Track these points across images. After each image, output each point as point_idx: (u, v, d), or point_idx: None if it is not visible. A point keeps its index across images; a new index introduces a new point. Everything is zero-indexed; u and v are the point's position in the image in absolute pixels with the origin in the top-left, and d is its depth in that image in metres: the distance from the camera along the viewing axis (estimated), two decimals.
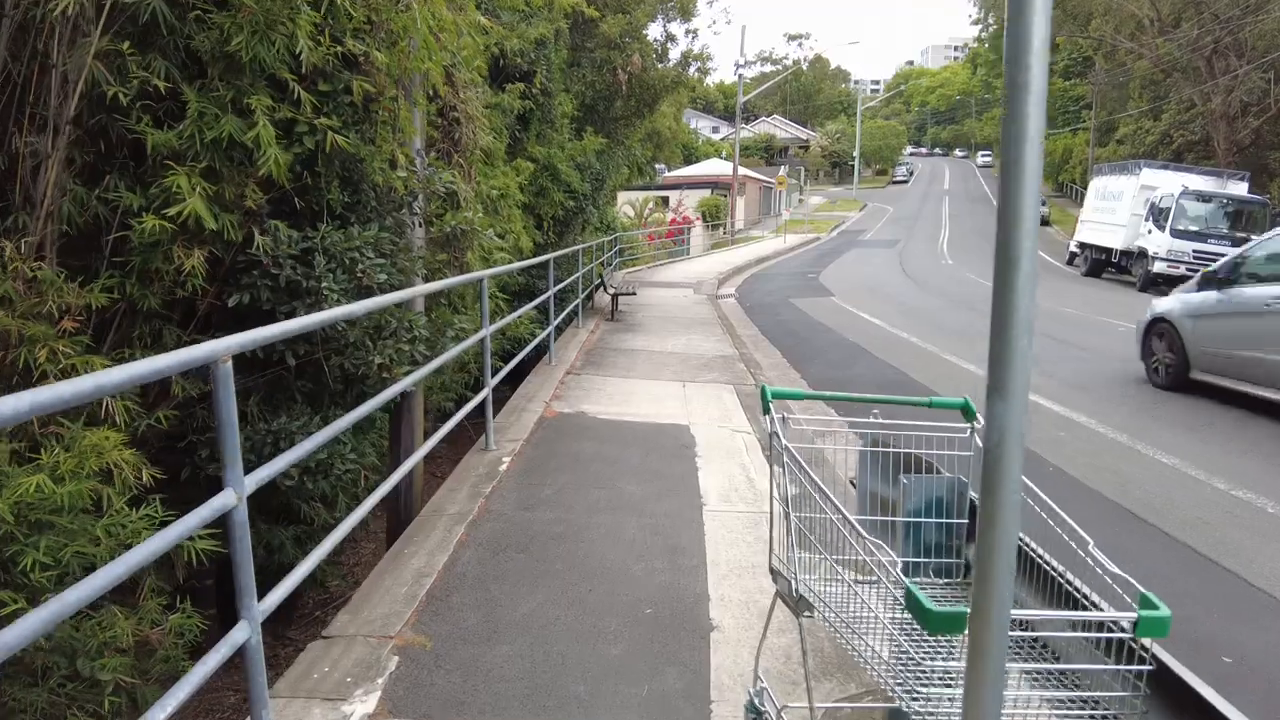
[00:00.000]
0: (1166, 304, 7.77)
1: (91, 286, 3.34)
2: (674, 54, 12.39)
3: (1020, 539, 1.89)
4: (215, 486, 4.43)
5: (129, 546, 3.19)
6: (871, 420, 2.19)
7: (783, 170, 46.43)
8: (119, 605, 3.49)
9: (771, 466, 2.11)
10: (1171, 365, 7.52)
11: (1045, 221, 40.58)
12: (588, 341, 9.47)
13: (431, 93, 5.06)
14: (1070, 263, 25.99)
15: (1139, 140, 35.47)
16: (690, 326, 11.23)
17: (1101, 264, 22.58)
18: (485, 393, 4.77)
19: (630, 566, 3.36)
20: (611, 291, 11.86)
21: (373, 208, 4.29)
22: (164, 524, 3.33)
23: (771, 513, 2.17)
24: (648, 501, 4.14)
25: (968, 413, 2.24)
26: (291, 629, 6.33)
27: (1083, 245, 23.96)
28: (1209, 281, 7.26)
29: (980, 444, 2.28)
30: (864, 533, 1.83)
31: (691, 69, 12.53)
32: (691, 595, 3.12)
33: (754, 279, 20.86)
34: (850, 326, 12.25)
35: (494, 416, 5.30)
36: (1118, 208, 21.01)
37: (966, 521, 2.20)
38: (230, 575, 5.83)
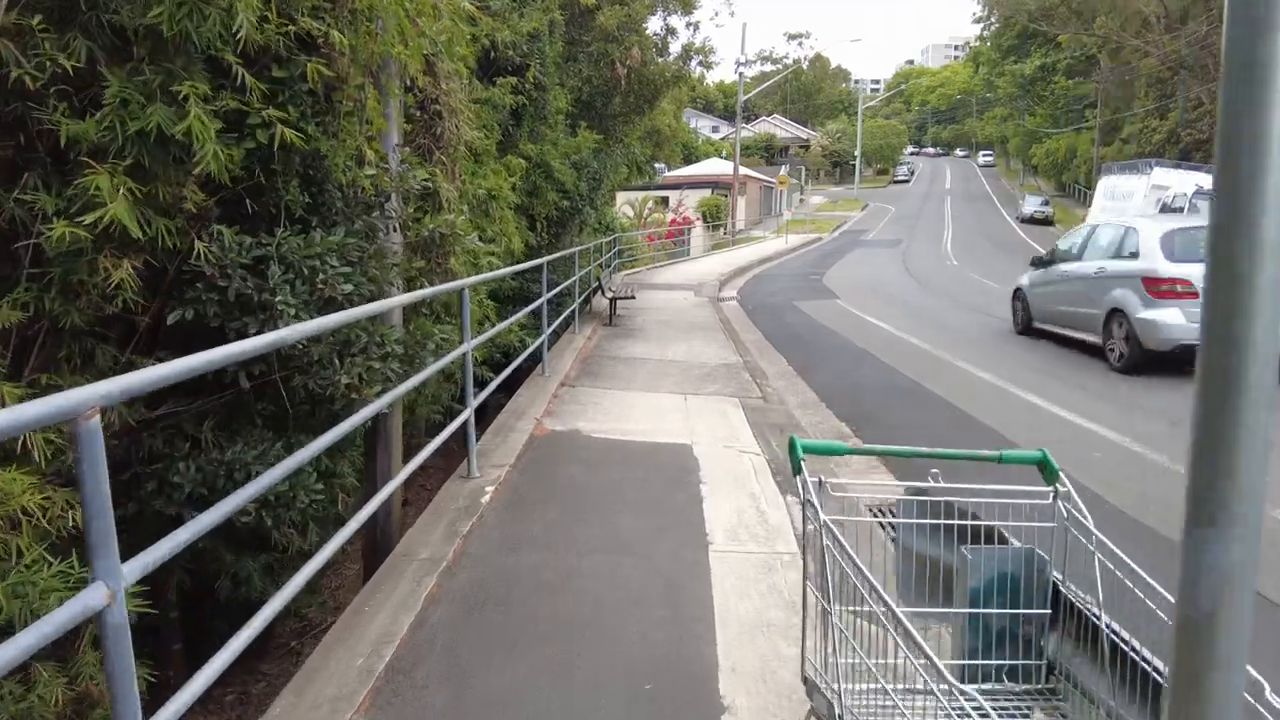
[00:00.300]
0: (1023, 279, 11.17)
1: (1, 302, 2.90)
2: (674, 48, 11.96)
3: (1147, 661, 1.44)
4: (166, 523, 3.94)
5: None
6: (934, 485, 1.73)
7: (784, 169, 45.95)
8: (47, 662, 3.05)
9: (804, 549, 1.66)
10: (1023, 317, 10.99)
11: (1049, 221, 40.23)
12: (584, 349, 9.02)
13: (409, 83, 4.61)
14: None
15: (1145, 139, 34.99)
16: (691, 332, 10.78)
17: None
18: (466, 414, 4.32)
19: (627, 626, 2.90)
20: (610, 295, 11.40)
21: (338, 210, 3.84)
22: (81, 582, 2.89)
23: (804, 605, 1.72)
24: (647, 540, 3.68)
25: (1047, 471, 1.78)
26: (265, 662, 5.89)
27: None
28: (1038, 263, 10.83)
29: (1065, 511, 1.83)
30: (926, 647, 1.37)
31: (693, 63, 12.07)
32: (699, 664, 2.67)
33: (756, 280, 20.41)
34: (856, 330, 11.80)
35: (478, 439, 4.85)
36: (1128, 208, 20.53)
37: (1048, 612, 1.75)
38: (200, 608, 5.26)
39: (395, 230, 4.52)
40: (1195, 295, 7.76)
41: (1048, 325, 10.32)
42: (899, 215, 45.68)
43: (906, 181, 69.86)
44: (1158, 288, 7.98)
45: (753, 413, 6.34)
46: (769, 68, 78.13)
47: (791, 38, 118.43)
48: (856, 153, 63.80)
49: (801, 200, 56.62)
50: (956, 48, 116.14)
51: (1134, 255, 8.56)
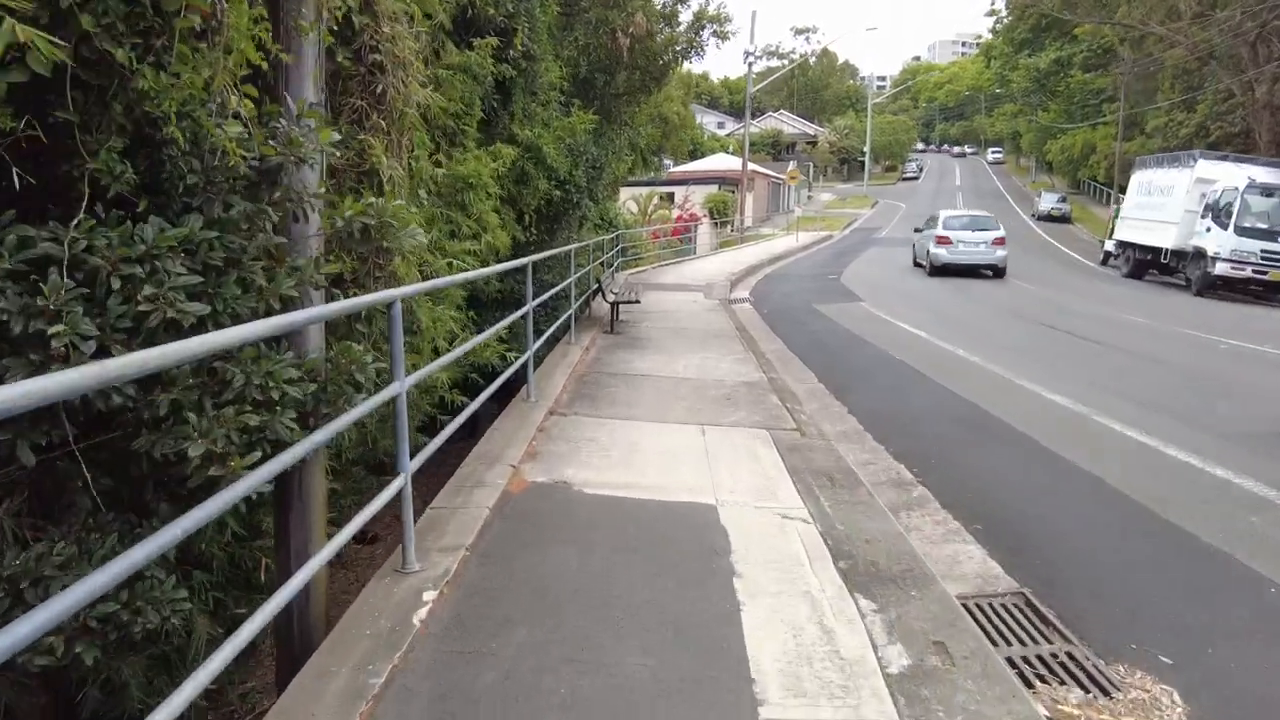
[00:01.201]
0: (914, 238, 22.17)
1: None
2: (684, 17, 10.60)
3: None
4: None
5: None
6: None
7: (792, 165, 44.48)
8: None
9: None
10: (914, 260, 21.61)
11: (1067, 219, 38.95)
12: (580, 363, 7.71)
13: (328, 16, 3.30)
14: (1105, 263, 24.13)
15: (1171, 133, 33.47)
16: (704, 341, 9.46)
17: (1145, 264, 20.69)
18: (400, 481, 3.01)
19: None
20: (611, 299, 10.08)
21: (191, 187, 2.53)
22: None
23: None
24: (662, 699, 2.37)
25: None
26: None
27: (1123, 245, 22.03)
28: (917, 230, 22.01)
29: None
30: None
31: (706, 33, 10.68)
32: None
33: (769, 280, 19.08)
34: (890, 339, 10.47)
35: (416, 520, 3.56)
36: (1168, 203, 19.11)
37: None
38: (71, 692, 3.92)
39: (306, 219, 3.22)
40: (952, 243, 18.75)
41: (919, 260, 20.64)
42: (911, 213, 44.22)
43: (916, 178, 68.39)
44: (940, 240, 18.89)
45: (790, 453, 5.03)
46: (776, 63, 76.68)
47: (799, 32, 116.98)
48: (866, 149, 62.31)
49: (810, 197, 55.21)
50: (964, 44, 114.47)
51: (935, 225, 19.50)
